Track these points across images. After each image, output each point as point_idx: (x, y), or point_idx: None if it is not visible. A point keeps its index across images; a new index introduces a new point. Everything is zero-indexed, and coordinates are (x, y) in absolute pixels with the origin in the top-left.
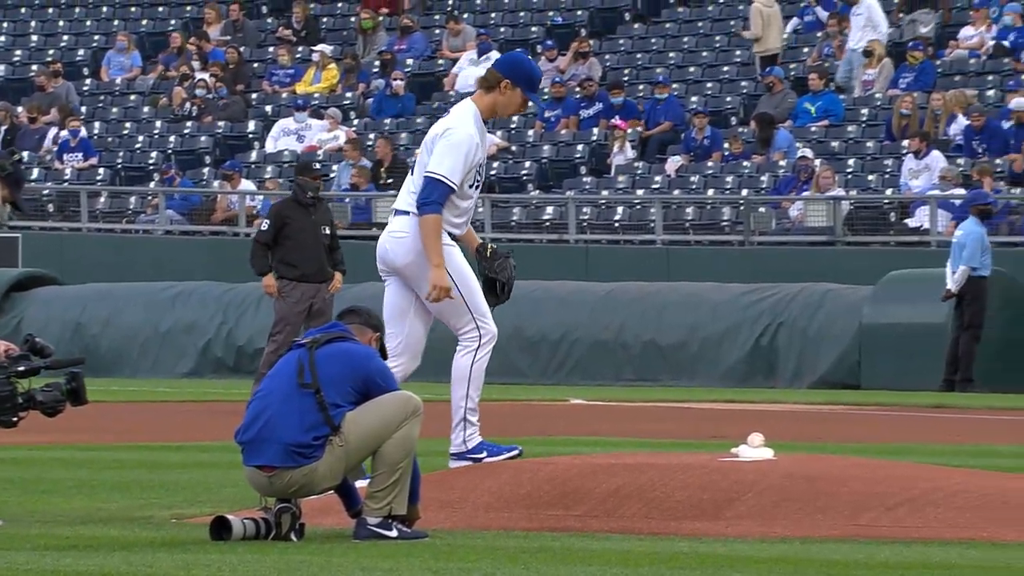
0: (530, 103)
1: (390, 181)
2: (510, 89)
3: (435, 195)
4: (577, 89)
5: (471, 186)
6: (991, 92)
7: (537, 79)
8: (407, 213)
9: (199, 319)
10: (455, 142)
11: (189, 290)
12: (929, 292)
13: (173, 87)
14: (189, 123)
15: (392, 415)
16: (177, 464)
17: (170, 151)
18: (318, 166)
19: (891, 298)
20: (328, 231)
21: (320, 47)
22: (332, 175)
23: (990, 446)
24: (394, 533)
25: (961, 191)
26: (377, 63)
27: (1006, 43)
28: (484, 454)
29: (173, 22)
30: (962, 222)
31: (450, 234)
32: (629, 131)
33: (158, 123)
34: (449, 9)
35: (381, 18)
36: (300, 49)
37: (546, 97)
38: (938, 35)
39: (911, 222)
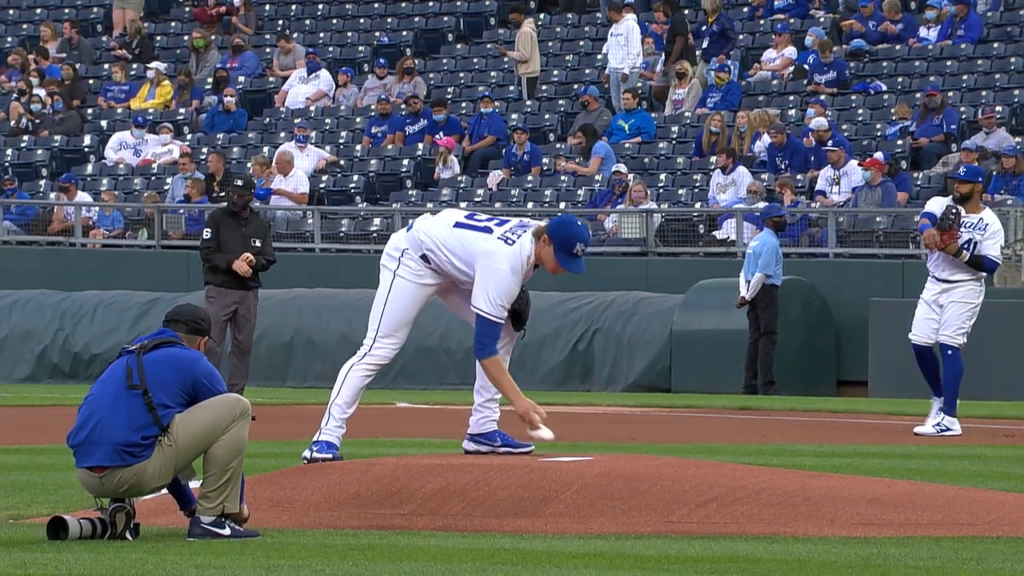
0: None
1: (222, 194)
2: (547, 245)
3: (486, 337)
4: (403, 106)
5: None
6: (792, 112)
7: (572, 244)
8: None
9: (36, 326)
10: (497, 278)
11: (26, 298)
12: (734, 300)
13: (10, 102)
14: (26, 137)
15: (220, 416)
16: (14, 466)
17: (7, 164)
18: (240, 182)
19: (699, 306)
20: (259, 243)
21: (154, 64)
22: (166, 187)
23: (792, 446)
24: (227, 531)
25: (764, 204)
26: (210, 80)
27: (806, 66)
28: (328, 455)
29: (10, 40)
30: (758, 233)
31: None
32: (449, 149)
33: None
34: (280, 29)
35: (213, 37)
36: (135, 66)
37: (373, 112)
38: (743, 57)
39: (719, 234)
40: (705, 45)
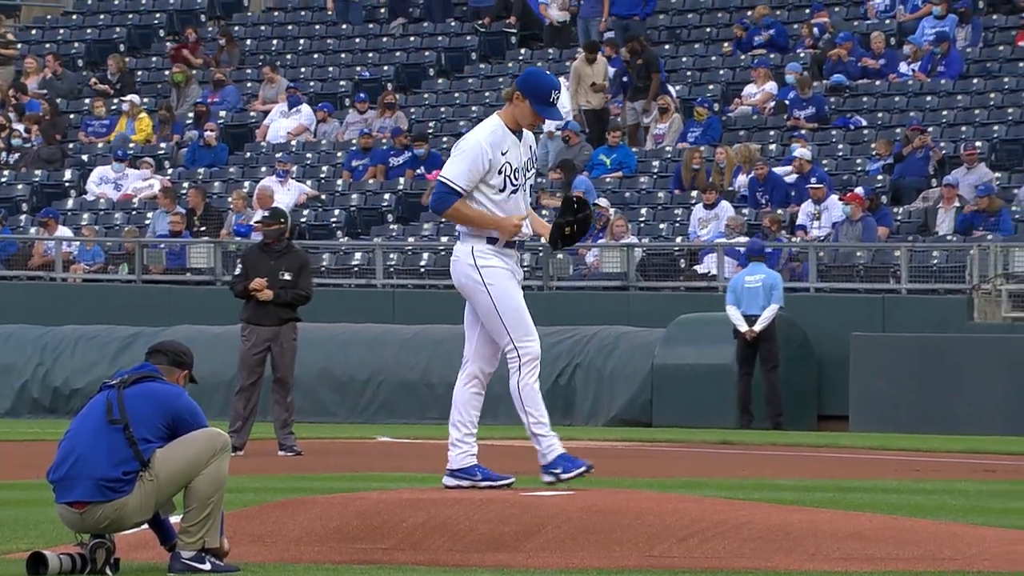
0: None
1: (203, 229)
2: (520, 101)
3: (436, 196)
4: (384, 141)
5: (502, 189)
6: (773, 146)
7: (546, 92)
8: (459, 237)
9: (16, 361)
10: (461, 148)
11: (7, 333)
12: (715, 334)
13: None
14: (7, 172)
15: (201, 451)
16: None
17: None
18: (267, 213)
19: (681, 340)
20: (289, 276)
21: (130, 97)
22: (147, 222)
23: (773, 480)
24: (208, 566)
25: (744, 239)
26: (191, 115)
27: (786, 101)
28: (559, 470)
29: None
30: (749, 267)
31: (507, 241)
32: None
33: None
34: (260, 64)
35: (194, 72)
36: (115, 101)
37: (354, 145)
38: (724, 92)
39: (700, 268)
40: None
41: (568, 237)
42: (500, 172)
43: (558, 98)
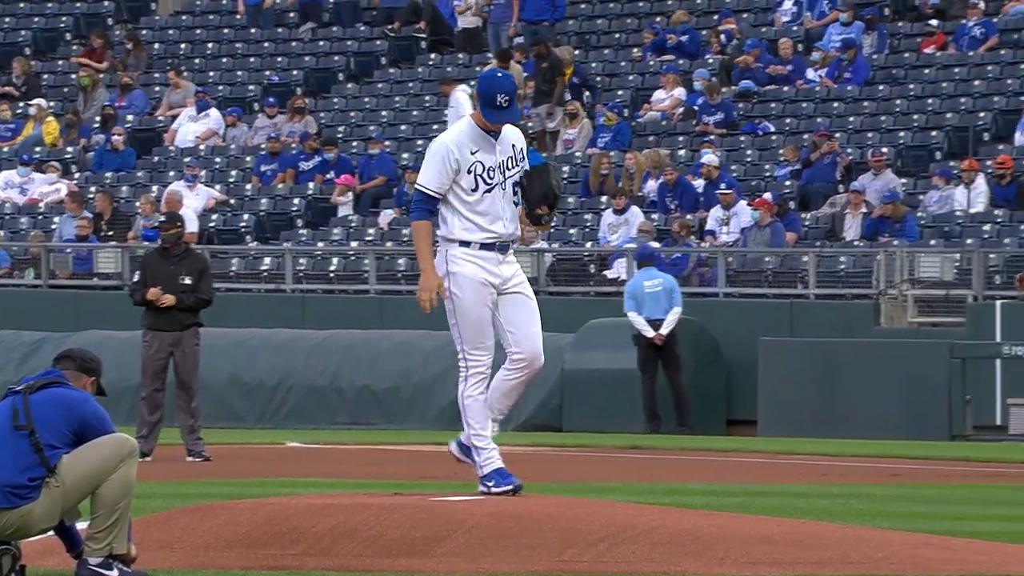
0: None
1: (110, 233)
2: (478, 102)
3: (412, 204)
4: (293, 145)
5: (474, 189)
6: (682, 152)
7: (492, 95)
8: (438, 239)
9: None
10: (429, 152)
11: None
12: (625, 339)
13: None
14: None
15: (108, 457)
16: None
17: None
18: (164, 217)
19: (590, 345)
20: (189, 280)
21: (36, 101)
22: (54, 227)
23: (683, 484)
24: (115, 573)
25: (656, 244)
26: (98, 119)
27: (695, 107)
28: (491, 483)
29: None
30: (642, 272)
31: (482, 244)
32: (350, 187)
33: None
34: (168, 68)
35: (101, 75)
36: (21, 105)
37: (263, 150)
38: (633, 97)
39: (609, 273)
40: (568, 97)
41: (544, 210)
42: (470, 171)
43: (507, 100)
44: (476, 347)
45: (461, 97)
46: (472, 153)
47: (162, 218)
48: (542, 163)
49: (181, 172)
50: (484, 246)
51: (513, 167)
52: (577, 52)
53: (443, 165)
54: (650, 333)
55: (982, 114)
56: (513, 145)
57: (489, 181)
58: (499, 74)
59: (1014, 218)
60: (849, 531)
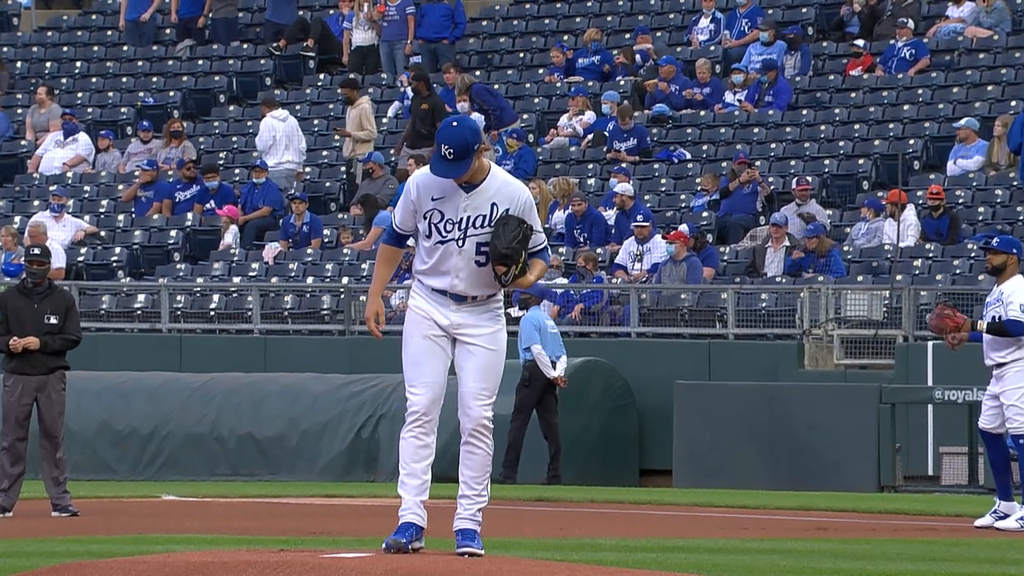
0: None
1: None
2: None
3: (385, 230)
4: (170, 173)
5: (428, 236)
6: (592, 181)
7: (439, 144)
8: None
9: None
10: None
11: None
12: (514, 383)
13: None
14: None
15: None
16: None
17: None
18: (38, 250)
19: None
20: (55, 320)
21: None
22: None
23: (593, 540)
24: None
25: (563, 280)
26: None
27: (605, 132)
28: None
29: None
30: (534, 310)
31: (434, 288)
32: (233, 219)
33: None
34: (32, 89)
35: None
36: None
37: (137, 178)
38: (539, 122)
39: (513, 312)
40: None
41: (500, 269)
42: (426, 217)
43: (451, 153)
44: (411, 383)
45: (366, 108)
46: (433, 199)
47: (36, 250)
48: (500, 216)
49: (47, 201)
50: (436, 290)
51: (481, 226)
52: (478, 73)
53: (404, 202)
54: (552, 373)
55: (912, 141)
56: (494, 204)
57: (443, 233)
58: (454, 123)
59: (946, 253)
60: None
